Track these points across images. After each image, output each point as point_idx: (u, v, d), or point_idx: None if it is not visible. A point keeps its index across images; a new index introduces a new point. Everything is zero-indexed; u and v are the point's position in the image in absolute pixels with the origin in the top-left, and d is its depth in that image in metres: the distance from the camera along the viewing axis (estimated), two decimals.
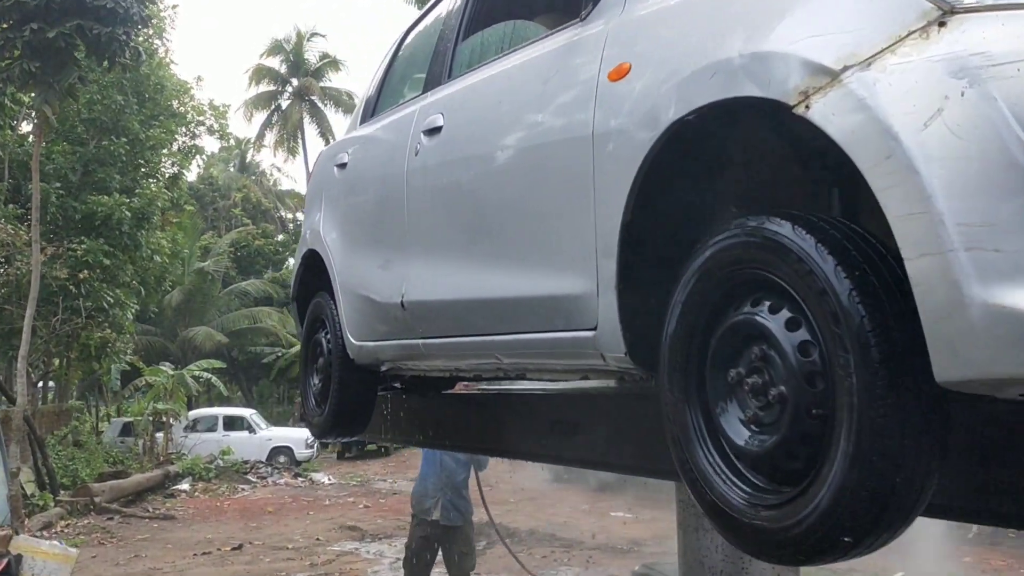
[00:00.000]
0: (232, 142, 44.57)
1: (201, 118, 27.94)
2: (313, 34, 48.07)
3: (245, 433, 26.45)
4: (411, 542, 7.26)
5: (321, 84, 48.21)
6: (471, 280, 2.91)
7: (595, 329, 2.36)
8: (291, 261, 49.64)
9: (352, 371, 4.06)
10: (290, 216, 58.29)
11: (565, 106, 2.47)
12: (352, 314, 3.91)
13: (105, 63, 14.10)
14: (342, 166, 4.14)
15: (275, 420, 30.26)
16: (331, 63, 48.49)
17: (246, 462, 23.32)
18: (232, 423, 26.91)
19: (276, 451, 26.21)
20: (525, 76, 2.71)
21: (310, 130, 48.53)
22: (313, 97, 47.97)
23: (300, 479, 22.70)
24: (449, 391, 4.40)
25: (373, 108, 4.23)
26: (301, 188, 60.71)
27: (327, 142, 47.44)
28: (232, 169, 54.29)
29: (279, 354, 39.47)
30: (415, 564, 7.18)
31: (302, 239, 4.57)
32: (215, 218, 48.33)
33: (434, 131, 3.22)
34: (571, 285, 2.43)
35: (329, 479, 22.76)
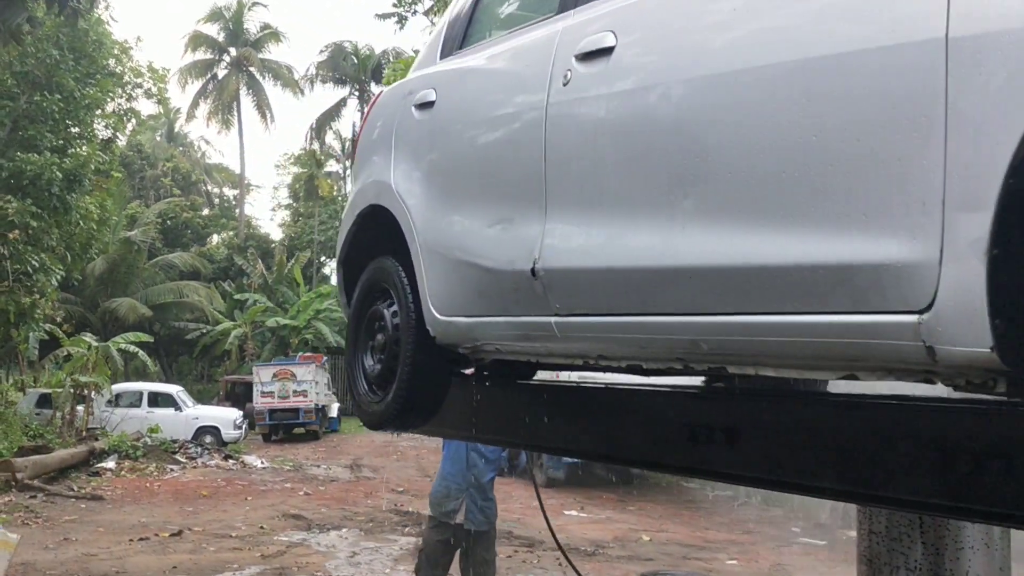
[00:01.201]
0: (170, 108, 42.95)
1: (139, 80, 26.63)
2: (255, 3, 46.50)
3: (171, 411, 25.30)
4: (426, 546, 6.53)
5: (261, 56, 46.69)
6: (673, 243, 2.23)
7: (926, 311, 1.71)
8: (216, 237, 48.37)
9: (429, 352, 3.35)
10: (216, 191, 56.67)
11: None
12: (440, 283, 3.20)
13: (56, 5, 12.96)
14: (426, 105, 3.42)
15: (195, 398, 29.12)
16: (272, 34, 47.04)
17: (174, 441, 22.21)
18: (157, 399, 25.73)
19: (202, 431, 25.14)
20: None
21: (246, 102, 46.99)
22: (252, 68, 46.45)
23: (231, 461, 21.68)
24: (527, 380, 3.71)
25: (462, 38, 3.51)
26: (229, 162, 59.08)
27: (264, 116, 46.05)
28: (159, 138, 52.45)
29: (203, 331, 38.19)
30: (432, 570, 6.45)
31: (357, 193, 3.83)
32: (142, 187, 46.56)
33: (598, 54, 2.53)
34: (882, 249, 1.77)
35: (261, 462, 21.79)
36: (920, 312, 1.72)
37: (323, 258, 45.12)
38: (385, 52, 45.43)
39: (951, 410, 2.08)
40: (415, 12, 25.84)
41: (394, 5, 25.44)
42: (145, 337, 27.96)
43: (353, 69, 46.46)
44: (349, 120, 48.01)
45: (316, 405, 29.05)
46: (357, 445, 27.27)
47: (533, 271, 2.69)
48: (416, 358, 3.37)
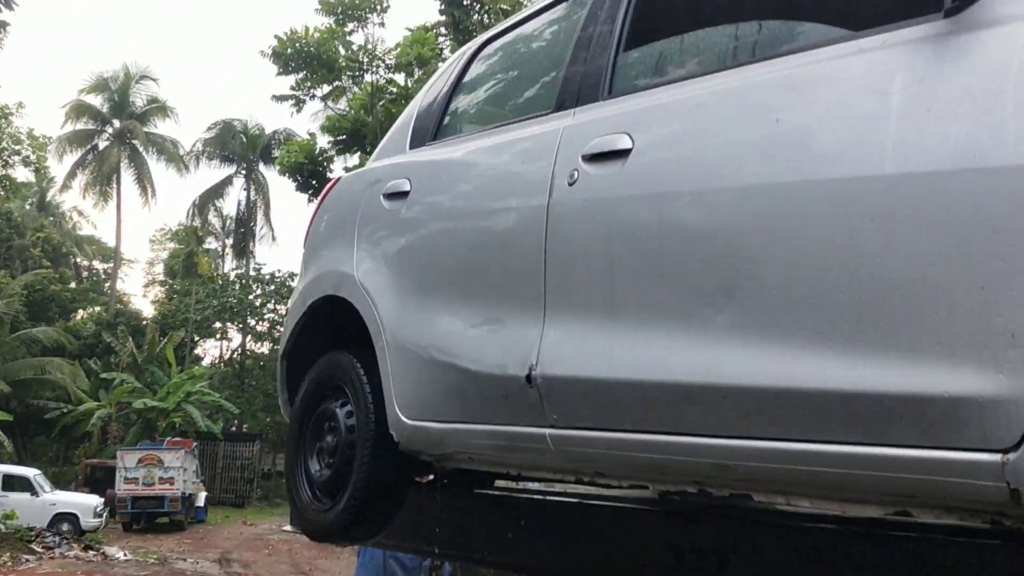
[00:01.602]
0: (44, 176, 41.44)
1: (18, 147, 25.62)
2: (143, 76, 45.65)
3: (27, 495, 23.74)
4: None
5: (146, 129, 45.69)
6: (705, 359, 2.10)
7: (1013, 450, 1.61)
8: (82, 312, 46.35)
9: (389, 458, 3.12)
10: (86, 263, 54.76)
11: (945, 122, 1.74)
12: (410, 384, 3.00)
13: None
14: (398, 195, 3.25)
15: (51, 481, 27.49)
16: (159, 108, 46.14)
17: (30, 529, 20.79)
18: (12, 483, 24.13)
19: (60, 518, 23.65)
20: (845, 83, 1.96)
21: (127, 176, 45.76)
22: (135, 142, 45.36)
23: (91, 552, 20.39)
24: (484, 490, 3.50)
25: (435, 130, 3.37)
26: (102, 234, 57.15)
27: (145, 190, 44.91)
28: (30, 207, 50.51)
29: (65, 410, 36.30)
30: None
31: (311, 282, 3.61)
32: (8, 257, 44.54)
33: (611, 155, 2.42)
34: (959, 382, 1.67)
35: (124, 555, 20.55)
36: (1006, 451, 1.62)
37: (197, 338, 43.76)
38: (276, 132, 45.07)
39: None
40: (313, 96, 25.71)
41: (292, 88, 25.22)
42: (4, 416, 26.36)
43: (241, 148, 45.88)
44: (234, 198, 47.22)
45: (183, 493, 27.74)
46: (225, 537, 26.08)
47: (529, 378, 2.53)
48: (374, 464, 3.14)
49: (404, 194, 3.22)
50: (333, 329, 3.55)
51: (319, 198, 3.84)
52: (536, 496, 3.32)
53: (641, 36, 2.67)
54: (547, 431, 2.52)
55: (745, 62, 2.26)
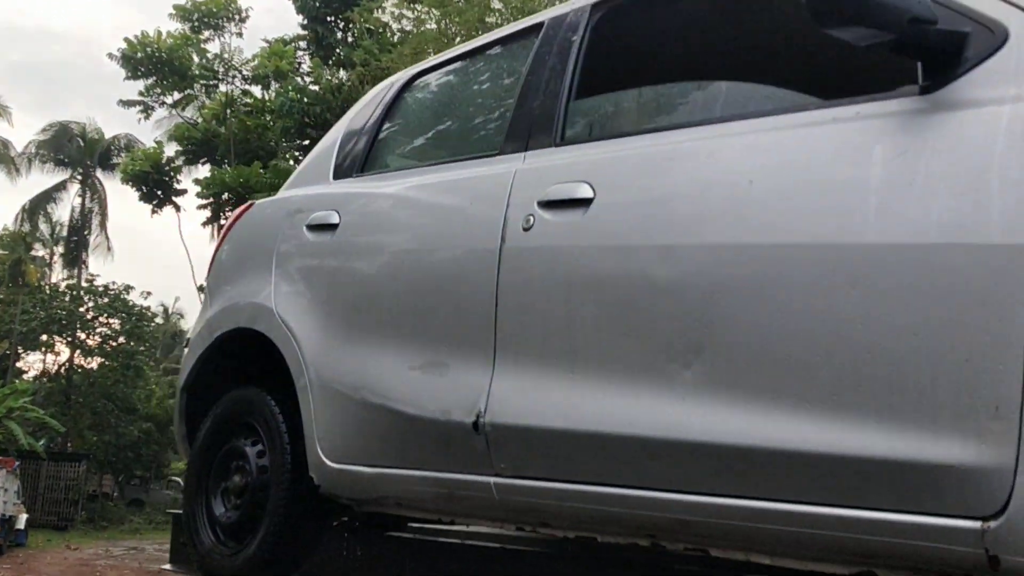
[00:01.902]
0: None
1: None
2: None
3: None
4: None
5: None
6: (670, 414, 2.10)
7: (994, 518, 1.67)
8: None
9: (306, 501, 3.01)
10: None
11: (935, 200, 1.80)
12: (335, 426, 2.90)
13: None
14: (324, 228, 3.15)
15: None
16: None
17: None
18: None
19: None
20: (821, 151, 2.01)
21: None
22: None
23: None
24: (397, 532, 3.42)
25: (363, 162, 3.28)
26: None
27: None
28: None
29: None
30: None
31: (219, 312, 3.45)
32: None
33: (570, 204, 2.41)
34: (940, 450, 1.73)
35: None
36: (986, 519, 1.68)
37: (21, 351, 41.36)
38: (116, 138, 43.24)
39: None
40: (162, 103, 24.84)
41: (140, 94, 24.29)
42: None
43: (78, 152, 43.79)
44: (68, 204, 44.97)
45: (2, 515, 26.06)
46: (48, 562, 24.50)
47: (476, 425, 2.48)
48: (290, 507, 3.02)
49: (332, 227, 3.12)
50: (243, 364, 3.41)
51: (228, 223, 3.68)
52: (450, 540, 3.27)
53: (595, 85, 2.68)
54: (492, 479, 2.48)
55: (713, 119, 2.29)
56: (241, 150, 35.12)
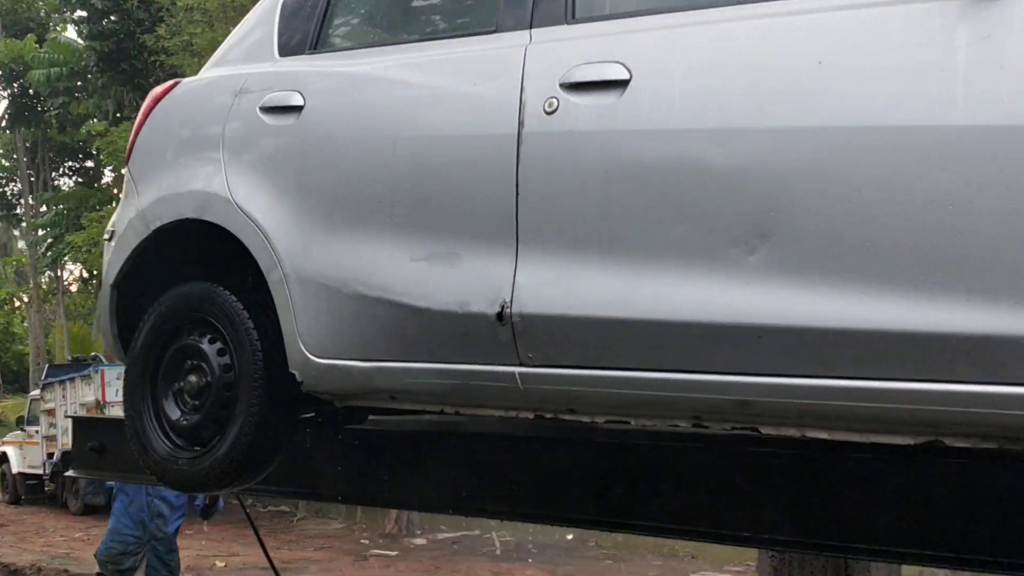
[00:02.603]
0: None
1: None
2: None
3: None
4: None
5: None
6: (733, 299, 2.10)
7: None
8: None
9: (281, 399, 2.87)
10: None
11: None
12: (322, 321, 2.75)
13: None
14: (285, 110, 2.92)
15: None
16: None
17: None
18: None
19: None
20: (899, 31, 2.00)
21: None
22: None
23: None
24: (356, 426, 3.31)
25: (316, 36, 3.05)
26: None
27: None
28: None
29: None
30: None
31: (155, 202, 3.16)
32: None
33: (601, 86, 2.33)
34: None
35: None
36: None
37: None
38: None
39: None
40: None
41: None
42: None
43: None
44: None
45: None
46: None
47: (500, 316, 2.41)
48: (263, 406, 2.87)
49: (294, 109, 2.90)
50: (187, 257, 3.16)
51: (147, 103, 3.35)
52: (410, 429, 3.22)
53: None
54: (517, 369, 2.43)
55: None
56: (9, 21, 32.14)
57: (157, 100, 3.33)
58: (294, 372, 2.82)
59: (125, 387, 3.18)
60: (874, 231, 1.96)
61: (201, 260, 3.14)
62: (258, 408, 2.86)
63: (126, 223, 3.25)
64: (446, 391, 2.61)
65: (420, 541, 15.25)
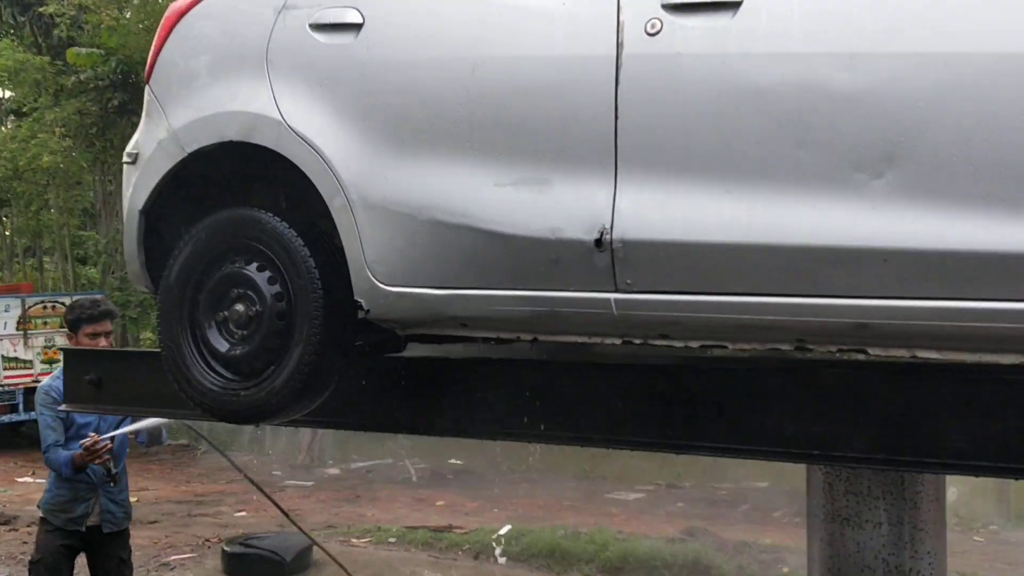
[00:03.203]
0: None
1: None
2: None
3: None
4: (45, 556, 5.28)
5: None
6: (853, 223, 2.15)
7: None
8: None
9: (341, 327, 2.82)
10: None
11: None
12: (393, 248, 2.69)
13: None
14: (340, 28, 2.81)
15: None
16: None
17: None
18: None
19: None
20: None
21: None
22: None
23: None
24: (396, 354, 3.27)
25: None
26: None
27: None
28: None
29: None
30: None
31: (189, 124, 3.01)
32: None
33: (707, 7, 2.32)
34: None
35: None
36: None
37: None
38: None
39: None
40: None
41: None
42: None
43: None
44: None
45: None
46: None
47: (599, 241, 2.40)
48: (323, 333, 2.81)
49: (352, 27, 2.79)
50: (225, 181, 3.04)
51: (170, 15, 3.17)
52: (448, 358, 3.20)
53: None
54: (613, 295, 2.43)
55: None
56: None
57: (181, 14, 3.15)
58: (360, 300, 2.76)
59: (160, 317, 3.06)
60: (1005, 155, 2.02)
61: (242, 184, 3.02)
62: (318, 337, 2.80)
63: (154, 145, 3.09)
64: (529, 318, 2.60)
65: (334, 471, 15.23)
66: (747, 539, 7.11)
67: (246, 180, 3.05)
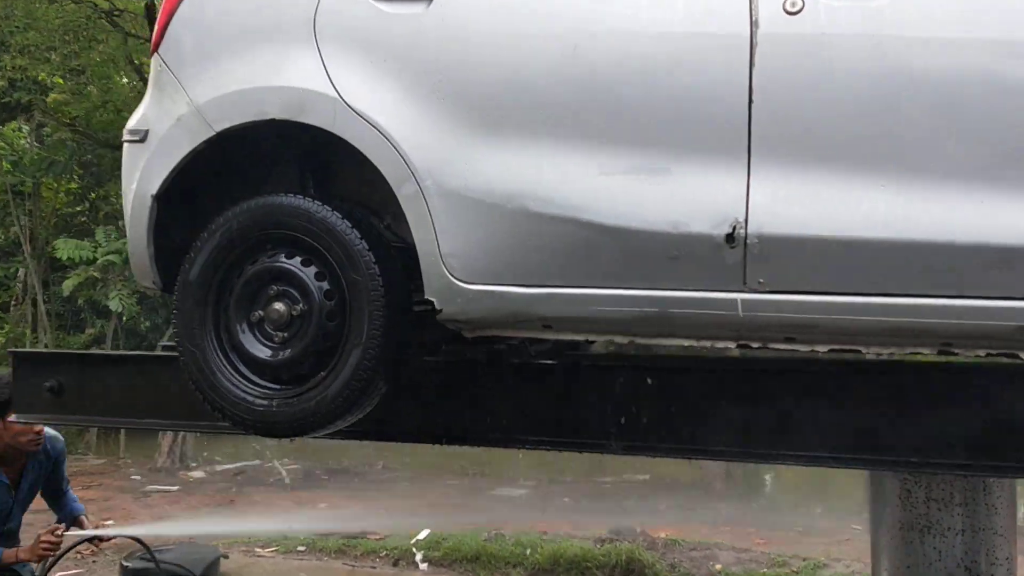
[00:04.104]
0: None
1: None
2: None
3: None
4: None
5: None
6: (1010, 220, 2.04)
7: None
8: None
9: (399, 328, 2.55)
10: None
11: None
12: (476, 242, 2.43)
13: None
14: None
15: None
16: None
17: None
18: None
19: None
20: None
21: None
22: None
23: None
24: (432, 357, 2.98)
25: None
26: None
27: None
28: None
29: None
30: None
31: (218, 99, 2.64)
32: None
33: None
34: None
35: None
36: None
37: None
38: None
39: None
40: None
41: None
42: None
43: None
44: None
45: None
46: None
47: (731, 237, 2.21)
48: (384, 335, 2.52)
49: None
50: (256, 164, 2.70)
51: None
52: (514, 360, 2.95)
53: None
54: (740, 295, 2.25)
55: None
56: None
57: None
58: (431, 298, 2.48)
59: (178, 319, 2.69)
60: None
61: (279, 168, 2.69)
62: (380, 339, 2.51)
63: (171, 122, 2.71)
64: (633, 319, 2.38)
65: (198, 474, 14.52)
66: (675, 536, 7.08)
67: (262, 163, 2.72)
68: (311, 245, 2.57)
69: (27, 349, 4.10)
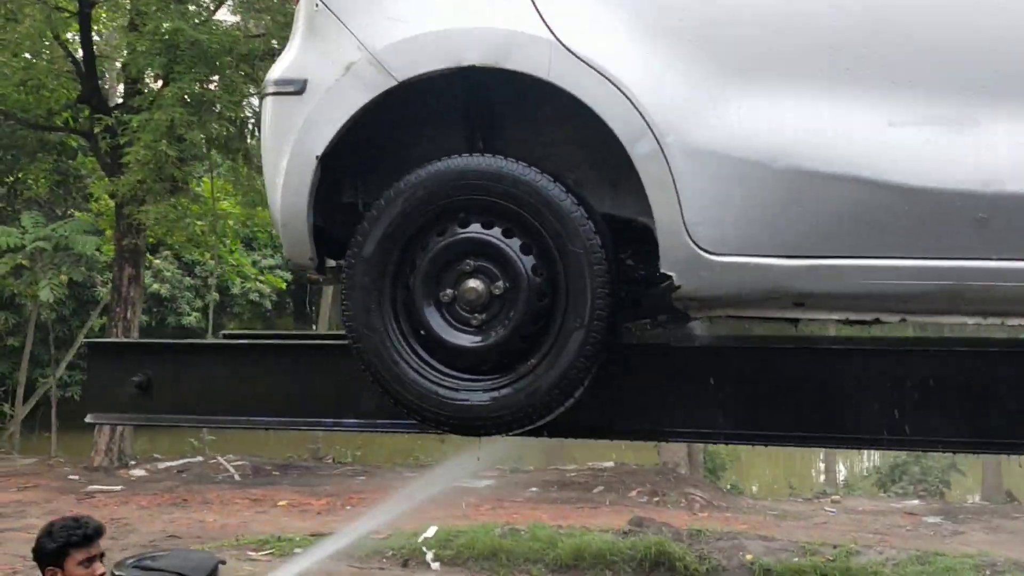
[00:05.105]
0: None
1: None
2: None
3: None
4: None
5: None
6: None
7: None
8: None
9: (618, 306, 2.22)
10: None
11: None
12: (730, 206, 2.11)
13: None
14: None
15: None
16: None
17: None
18: None
19: None
20: None
21: None
22: None
23: None
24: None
25: None
26: None
27: None
28: None
29: None
30: None
31: (401, 42, 2.27)
32: None
33: None
34: None
35: None
36: None
37: None
38: None
39: None
40: None
41: None
42: None
43: None
44: None
45: None
46: None
47: None
48: (608, 315, 2.19)
49: None
50: (443, 119, 2.33)
51: None
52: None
53: None
54: None
55: None
56: None
57: None
58: (669, 273, 2.15)
59: (349, 298, 2.30)
60: None
61: (470, 124, 2.32)
62: (606, 319, 2.18)
63: (339, 70, 2.31)
64: (920, 294, 2.09)
65: (139, 472, 13.81)
66: (699, 527, 6.85)
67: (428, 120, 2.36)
68: (515, 213, 2.21)
69: (105, 339, 3.54)
